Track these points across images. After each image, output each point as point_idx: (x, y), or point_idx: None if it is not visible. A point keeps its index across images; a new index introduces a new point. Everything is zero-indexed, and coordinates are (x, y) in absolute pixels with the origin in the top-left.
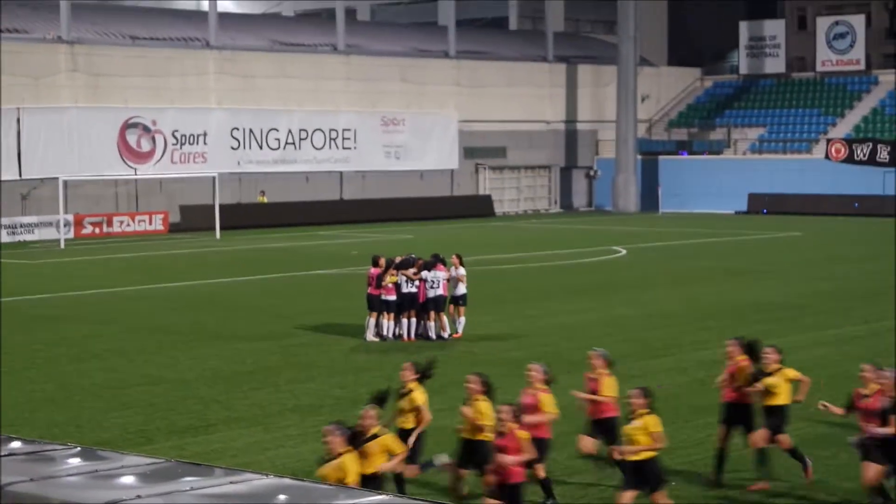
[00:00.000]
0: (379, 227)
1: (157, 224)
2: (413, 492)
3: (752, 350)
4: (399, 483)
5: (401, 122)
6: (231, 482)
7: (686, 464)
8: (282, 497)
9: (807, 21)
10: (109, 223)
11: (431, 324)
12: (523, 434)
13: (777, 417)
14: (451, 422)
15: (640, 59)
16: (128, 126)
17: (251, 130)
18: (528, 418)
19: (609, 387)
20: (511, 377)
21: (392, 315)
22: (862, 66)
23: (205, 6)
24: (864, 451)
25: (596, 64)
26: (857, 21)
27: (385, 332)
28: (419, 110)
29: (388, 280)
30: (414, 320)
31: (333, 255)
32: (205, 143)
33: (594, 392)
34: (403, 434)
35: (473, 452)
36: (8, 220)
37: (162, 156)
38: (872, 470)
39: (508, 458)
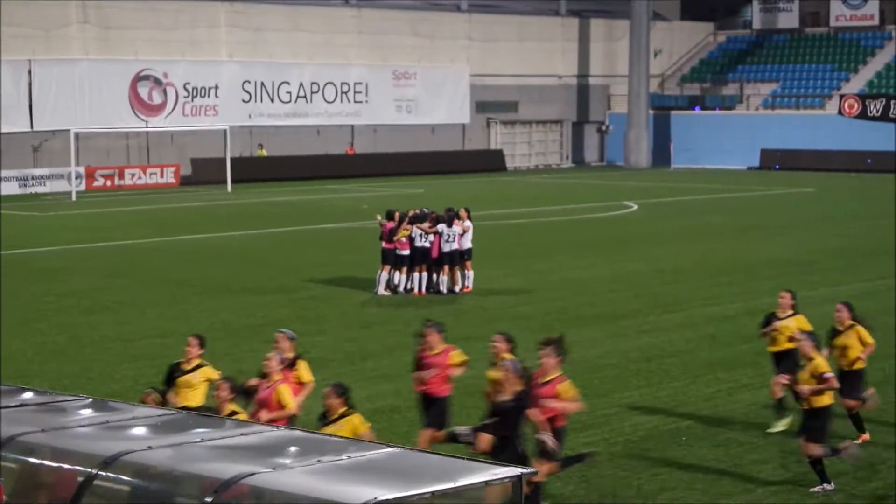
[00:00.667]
0: (390, 181)
1: (169, 177)
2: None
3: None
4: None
5: (412, 75)
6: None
7: (694, 419)
8: (292, 448)
9: None
10: (121, 176)
11: (445, 278)
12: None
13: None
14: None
15: (652, 13)
16: (139, 79)
17: (262, 83)
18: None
19: None
20: (521, 331)
21: (405, 269)
22: (876, 22)
23: None
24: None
25: (608, 18)
26: None
27: (397, 286)
28: (431, 64)
29: (401, 234)
30: (425, 274)
31: (344, 209)
32: (216, 96)
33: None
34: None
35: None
36: (19, 172)
37: (173, 108)
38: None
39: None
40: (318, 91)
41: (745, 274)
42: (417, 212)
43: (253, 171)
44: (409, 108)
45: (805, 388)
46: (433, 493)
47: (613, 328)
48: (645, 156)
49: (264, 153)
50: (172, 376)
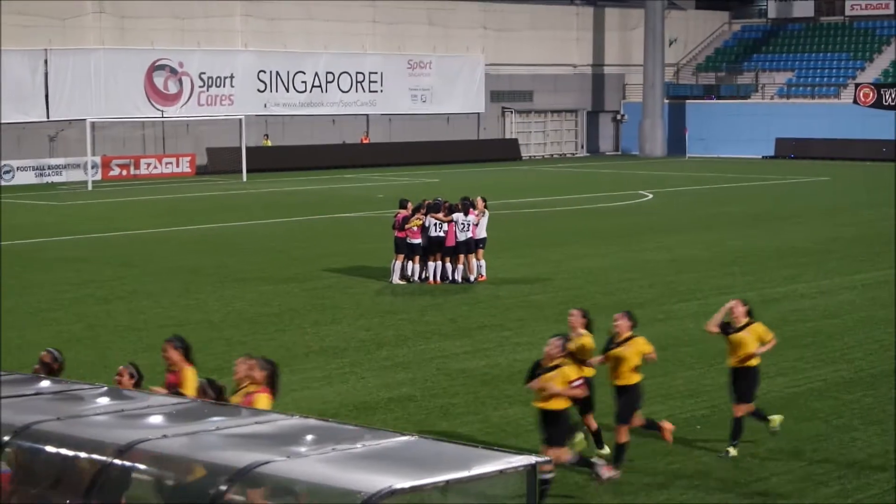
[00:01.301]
0: (405, 171)
1: (184, 166)
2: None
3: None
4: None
5: (427, 65)
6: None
7: (709, 408)
8: (307, 436)
9: None
10: (136, 165)
11: (460, 266)
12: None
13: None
14: (478, 364)
15: (667, 2)
16: (155, 68)
17: (278, 73)
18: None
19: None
20: (535, 320)
21: (418, 258)
22: (891, 10)
23: None
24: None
25: (623, 7)
26: None
27: (410, 275)
28: (446, 53)
29: (413, 223)
30: (439, 263)
31: (359, 198)
32: (231, 86)
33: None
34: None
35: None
36: (35, 162)
37: (189, 98)
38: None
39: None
40: (332, 81)
41: (759, 263)
42: (431, 202)
43: (268, 160)
44: (424, 98)
45: (543, 385)
46: (448, 481)
47: None
48: (660, 145)
49: (269, 143)
50: None
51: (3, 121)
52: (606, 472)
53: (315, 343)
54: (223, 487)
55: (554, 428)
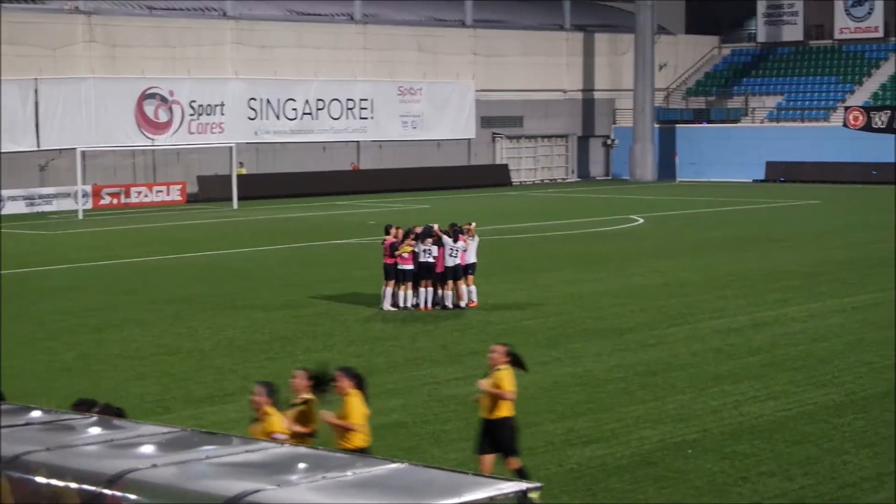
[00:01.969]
0: (396, 197)
1: (175, 194)
2: None
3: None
4: None
5: (417, 91)
6: (247, 451)
7: (700, 432)
8: (297, 465)
9: None
10: (127, 194)
11: (449, 292)
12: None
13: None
14: (469, 390)
15: (657, 27)
16: (145, 97)
17: (268, 100)
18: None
19: None
20: (526, 346)
21: (409, 284)
22: (880, 34)
23: None
24: None
25: (613, 32)
26: None
27: (402, 302)
28: (436, 80)
29: (404, 249)
30: (430, 289)
31: (350, 224)
32: (222, 114)
33: None
34: None
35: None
36: (26, 191)
37: (179, 126)
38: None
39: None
40: (323, 107)
41: (749, 287)
42: (419, 229)
43: (259, 188)
44: (414, 124)
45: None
46: None
47: (619, 342)
48: (650, 169)
49: (244, 171)
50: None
51: None
52: None
53: None
54: None
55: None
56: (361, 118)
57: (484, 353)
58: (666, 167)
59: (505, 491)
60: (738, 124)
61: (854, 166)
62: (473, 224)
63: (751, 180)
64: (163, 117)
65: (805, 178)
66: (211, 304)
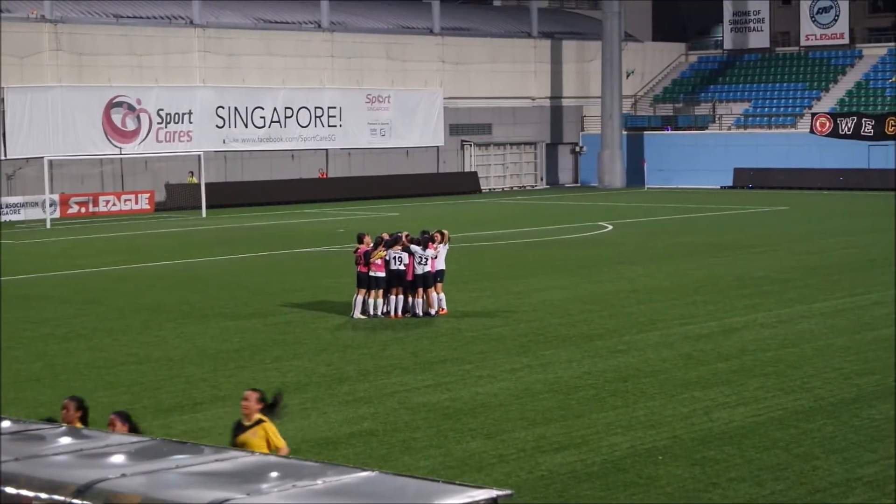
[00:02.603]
0: (365, 205)
1: (143, 203)
2: None
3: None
4: None
5: (386, 99)
6: (217, 460)
7: (671, 438)
8: (268, 473)
9: None
10: (95, 203)
11: (419, 300)
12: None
13: None
14: (440, 398)
15: (624, 34)
16: (112, 105)
17: (236, 109)
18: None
19: None
20: (497, 353)
21: (381, 292)
22: (846, 40)
23: None
24: None
25: (581, 40)
26: None
27: (372, 310)
28: (404, 87)
29: (377, 256)
30: (401, 297)
31: (319, 233)
32: (190, 122)
33: None
34: None
35: None
36: None
37: (147, 135)
38: None
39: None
40: (291, 115)
41: (719, 293)
42: (388, 236)
43: (227, 196)
44: (383, 132)
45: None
46: None
47: (589, 348)
48: (619, 176)
49: (194, 180)
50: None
51: None
52: None
53: (277, 379)
54: None
55: None
56: (330, 126)
57: (455, 360)
58: (634, 174)
59: (476, 498)
60: (706, 131)
61: (821, 172)
62: (447, 232)
63: (719, 187)
64: (130, 126)
65: (773, 185)
66: (180, 313)
